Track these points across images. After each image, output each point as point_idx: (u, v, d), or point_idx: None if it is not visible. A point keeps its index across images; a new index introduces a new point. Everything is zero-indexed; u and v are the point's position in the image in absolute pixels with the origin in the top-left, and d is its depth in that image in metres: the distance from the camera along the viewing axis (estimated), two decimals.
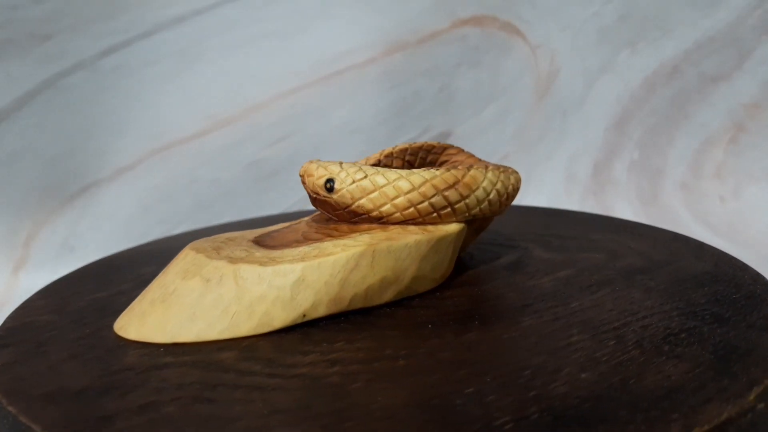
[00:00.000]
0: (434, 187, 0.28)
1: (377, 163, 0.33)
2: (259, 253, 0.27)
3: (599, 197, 0.62)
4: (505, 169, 0.31)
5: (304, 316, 0.26)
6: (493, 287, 0.30)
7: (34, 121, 0.55)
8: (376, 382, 0.22)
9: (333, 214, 0.30)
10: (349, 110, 0.61)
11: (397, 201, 0.28)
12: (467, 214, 0.29)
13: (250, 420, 0.20)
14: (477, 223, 0.32)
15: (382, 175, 0.28)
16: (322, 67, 0.60)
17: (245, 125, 0.60)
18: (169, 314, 0.26)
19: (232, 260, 0.26)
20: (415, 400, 0.20)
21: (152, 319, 0.26)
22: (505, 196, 0.30)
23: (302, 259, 0.26)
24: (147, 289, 0.28)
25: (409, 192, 0.28)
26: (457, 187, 0.29)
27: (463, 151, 0.34)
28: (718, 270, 0.30)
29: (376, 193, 0.28)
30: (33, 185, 0.56)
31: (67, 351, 0.26)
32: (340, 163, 0.29)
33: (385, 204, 0.28)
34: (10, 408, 0.22)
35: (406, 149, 0.34)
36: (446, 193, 0.29)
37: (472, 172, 0.29)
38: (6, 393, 0.23)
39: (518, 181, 0.32)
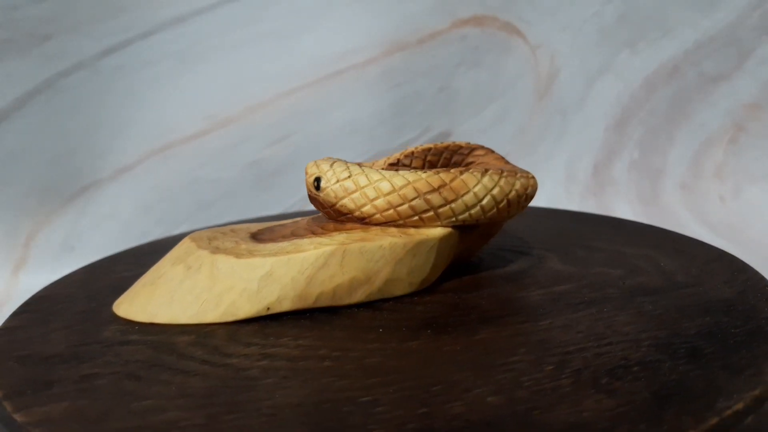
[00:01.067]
0: (415, 189, 0.28)
1: (396, 163, 0.33)
2: (246, 245, 0.28)
3: (599, 197, 0.62)
4: (511, 174, 0.30)
5: (269, 309, 0.26)
6: (476, 296, 0.29)
7: (34, 121, 0.55)
8: (289, 379, 0.22)
9: (323, 212, 0.30)
10: (349, 110, 0.61)
11: (377, 202, 0.28)
12: (454, 219, 0.29)
13: (154, 400, 0.22)
14: (482, 227, 0.31)
15: (366, 175, 0.28)
16: (322, 67, 0.60)
17: (245, 125, 0.60)
18: (152, 296, 0.28)
19: (215, 251, 0.28)
20: (309, 402, 0.21)
21: (139, 299, 0.28)
22: (505, 202, 0.29)
23: (275, 254, 0.27)
24: (147, 272, 0.30)
25: (388, 194, 0.28)
26: (441, 190, 0.28)
27: (492, 152, 0.33)
28: (739, 299, 0.27)
29: (357, 194, 0.28)
30: (33, 185, 0.56)
31: (65, 322, 0.29)
32: (333, 162, 0.29)
33: (365, 205, 0.28)
34: None
35: (429, 149, 0.33)
36: (428, 197, 0.28)
37: (465, 175, 0.28)
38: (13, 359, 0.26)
39: (525, 186, 0.30)
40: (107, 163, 0.58)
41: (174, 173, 0.59)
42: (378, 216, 0.29)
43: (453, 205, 0.28)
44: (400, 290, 0.29)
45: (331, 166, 0.29)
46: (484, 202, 0.29)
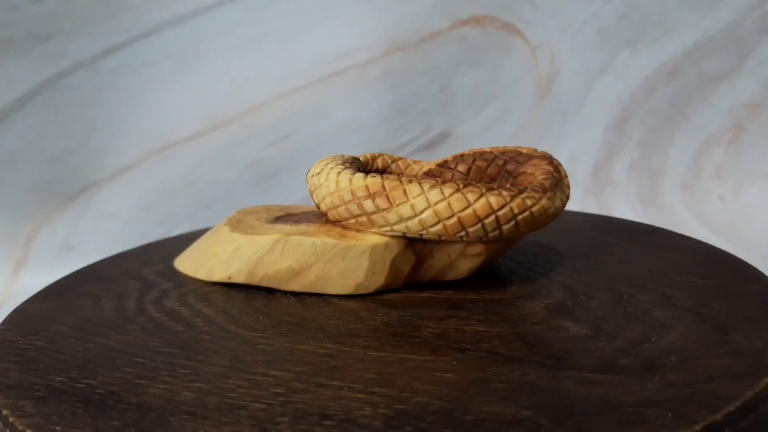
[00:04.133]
0: (352, 193, 0.28)
1: (443, 164, 0.32)
2: (256, 223, 0.32)
3: (599, 197, 0.62)
4: (476, 190, 0.27)
5: (230, 278, 0.30)
6: (386, 314, 0.27)
7: (34, 121, 0.55)
8: (141, 331, 0.27)
9: None
10: (349, 110, 0.61)
11: (326, 201, 0.29)
12: (389, 229, 0.28)
13: (75, 315, 0.29)
14: (468, 244, 0.28)
15: (326, 173, 0.29)
16: (322, 67, 0.60)
17: (245, 125, 0.60)
18: (188, 251, 0.34)
19: (231, 222, 0.32)
20: (113, 348, 0.26)
21: (184, 252, 0.34)
22: (455, 219, 0.27)
23: (249, 233, 0.30)
24: None
25: (332, 194, 0.28)
26: (376, 197, 0.27)
27: (548, 162, 0.29)
28: (644, 404, 0.20)
29: (318, 190, 0.29)
30: (33, 185, 0.56)
31: (148, 260, 0.36)
32: (325, 158, 0.30)
33: (321, 202, 0.29)
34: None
35: (481, 153, 0.31)
36: (362, 202, 0.28)
37: (409, 185, 0.27)
38: (76, 272, 0.35)
39: (491, 208, 0.27)
40: (107, 163, 0.58)
41: (174, 173, 0.59)
42: (328, 214, 0.29)
43: (386, 213, 0.27)
44: (333, 289, 0.29)
45: (322, 160, 0.30)
46: (424, 215, 0.27)
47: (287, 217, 0.33)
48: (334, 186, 0.28)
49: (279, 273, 0.29)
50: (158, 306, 0.30)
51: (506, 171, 0.31)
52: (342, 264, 0.28)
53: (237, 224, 0.32)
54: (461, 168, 0.31)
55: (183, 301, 0.30)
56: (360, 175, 0.28)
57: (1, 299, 0.53)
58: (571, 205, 0.63)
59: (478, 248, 0.29)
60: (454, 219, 0.27)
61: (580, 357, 0.23)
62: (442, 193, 0.27)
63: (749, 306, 0.27)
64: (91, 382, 0.23)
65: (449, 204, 0.27)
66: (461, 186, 0.27)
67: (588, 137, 0.64)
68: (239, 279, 0.30)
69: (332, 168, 0.29)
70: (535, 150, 0.30)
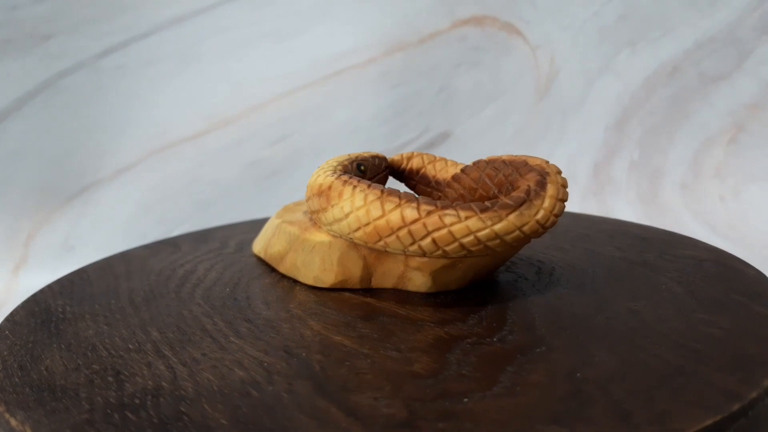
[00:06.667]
0: (310, 189, 0.28)
1: (464, 170, 0.31)
2: (298, 209, 0.34)
3: (599, 197, 0.62)
4: (392, 199, 0.26)
5: (258, 253, 0.34)
6: (306, 309, 0.27)
7: (34, 121, 0.55)
8: (140, 284, 0.31)
9: None
10: (349, 110, 0.61)
11: (305, 195, 0.31)
12: (329, 228, 0.28)
13: (139, 263, 0.34)
14: (404, 258, 0.28)
15: (319, 171, 0.30)
16: (322, 67, 0.61)
17: (245, 125, 0.60)
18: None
19: (288, 205, 0.35)
20: (104, 293, 0.30)
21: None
22: (371, 227, 0.26)
23: (278, 217, 0.33)
24: None
25: (307, 190, 0.29)
26: (321, 196, 0.27)
27: (539, 177, 0.26)
28: None
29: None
30: (33, 185, 0.56)
31: (245, 230, 0.40)
32: (340, 155, 0.32)
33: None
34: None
35: (494, 161, 0.29)
36: (315, 199, 0.28)
37: (345, 188, 0.27)
38: (200, 230, 0.40)
39: (401, 222, 0.25)
40: (107, 163, 0.58)
41: (174, 173, 0.59)
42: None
43: (325, 213, 0.27)
44: (302, 277, 0.30)
45: (337, 157, 0.32)
46: (349, 219, 0.26)
47: None
48: (309, 183, 0.29)
49: (273, 255, 0.32)
50: (192, 265, 0.33)
51: (509, 182, 0.28)
52: (302, 255, 0.30)
53: (287, 208, 0.35)
54: (473, 175, 0.30)
55: (210, 266, 0.33)
56: (327, 173, 0.28)
57: (1, 299, 0.53)
58: (571, 206, 0.63)
59: (416, 262, 0.27)
60: (371, 227, 0.26)
61: (359, 394, 0.20)
62: (365, 199, 0.26)
63: (684, 402, 0.19)
64: (68, 308, 0.28)
65: (368, 211, 0.26)
66: (384, 194, 0.26)
67: (588, 137, 0.64)
68: (261, 255, 0.34)
69: (323, 168, 0.30)
70: (546, 162, 0.27)
